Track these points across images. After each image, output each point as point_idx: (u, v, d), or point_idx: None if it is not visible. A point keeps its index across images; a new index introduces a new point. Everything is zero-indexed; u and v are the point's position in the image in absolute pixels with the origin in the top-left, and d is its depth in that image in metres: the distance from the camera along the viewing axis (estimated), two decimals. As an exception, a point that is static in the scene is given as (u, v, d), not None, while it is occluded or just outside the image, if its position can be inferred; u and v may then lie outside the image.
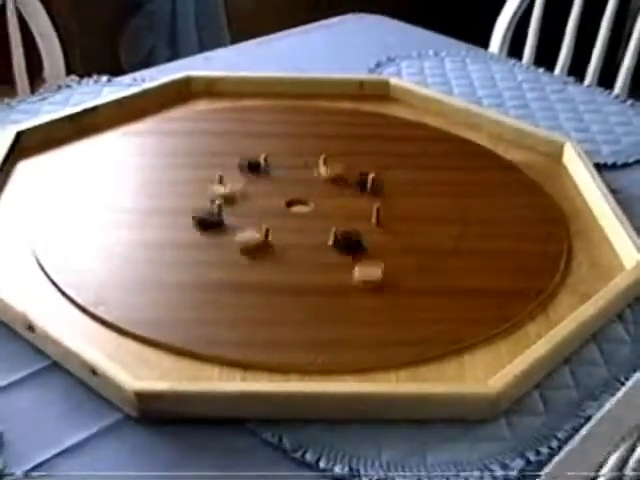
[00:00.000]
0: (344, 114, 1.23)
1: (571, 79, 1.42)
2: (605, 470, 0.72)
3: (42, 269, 0.90)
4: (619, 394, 0.75)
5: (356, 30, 1.57)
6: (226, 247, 0.95)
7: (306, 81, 1.29)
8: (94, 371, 0.76)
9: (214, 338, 0.82)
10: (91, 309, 0.84)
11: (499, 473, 0.71)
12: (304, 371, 0.79)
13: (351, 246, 0.94)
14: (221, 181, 1.03)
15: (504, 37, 1.64)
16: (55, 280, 0.88)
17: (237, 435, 0.74)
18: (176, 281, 0.90)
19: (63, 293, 0.87)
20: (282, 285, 0.90)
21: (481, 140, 1.19)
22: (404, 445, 0.73)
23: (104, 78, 1.31)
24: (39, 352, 0.81)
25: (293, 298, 0.88)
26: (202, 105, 1.25)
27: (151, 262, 0.92)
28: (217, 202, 0.98)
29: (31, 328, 0.81)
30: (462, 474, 0.71)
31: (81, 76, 1.31)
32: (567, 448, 0.68)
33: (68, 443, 0.72)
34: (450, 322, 0.86)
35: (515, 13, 1.63)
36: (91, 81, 1.30)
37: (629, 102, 1.33)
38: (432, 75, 1.37)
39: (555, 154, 1.15)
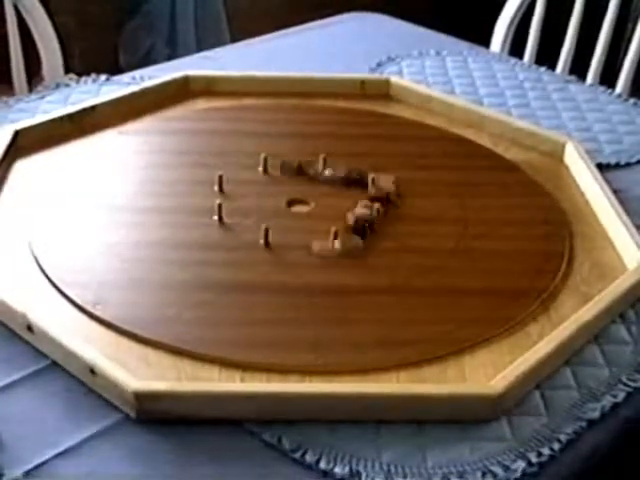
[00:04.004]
0: (344, 114, 1.23)
1: (573, 78, 1.41)
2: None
3: (40, 268, 0.89)
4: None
5: (356, 29, 1.57)
6: (226, 246, 0.95)
7: (306, 80, 1.28)
8: (93, 371, 0.76)
9: (213, 338, 0.82)
10: (90, 309, 0.84)
11: (500, 474, 0.71)
12: (304, 371, 0.79)
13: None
14: (220, 181, 1.03)
15: (505, 36, 1.64)
16: (54, 279, 0.88)
17: (236, 436, 0.73)
18: (175, 281, 0.89)
19: (62, 293, 0.86)
20: (282, 285, 0.89)
21: (482, 140, 1.18)
22: (404, 446, 0.73)
23: (102, 77, 1.30)
24: (38, 352, 0.80)
25: (293, 298, 0.88)
26: (201, 104, 1.25)
27: (150, 261, 0.92)
28: (217, 202, 0.98)
29: (30, 328, 0.81)
30: (463, 475, 0.70)
31: (79, 75, 1.31)
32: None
33: (67, 444, 0.71)
34: (451, 322, 0.86)
35: (516, 12, 1.63)
36: (89, 80, 1.29)
37: (632, 101, 1.33)
38: (433, 74, 1.37)
39: (557, 154, 1.15)
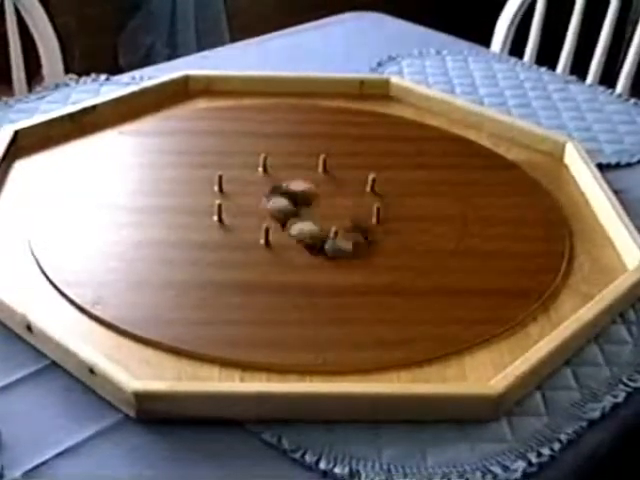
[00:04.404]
0: (344, 113, 1.23)
1: (573, 78, 1.41)
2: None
3: (40, 268, 0.89)
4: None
5: (356, 29, 1.57)
6: (226, 246, 0.95)
7: (306, 80, 1.28)
8: (92, 371, 0.76)
9: (213, 338, 0.82)
10: (89, 309, 0.84)
11: (500, 475, 0.70)
12: (303, 371, 0.79)
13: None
14: (220, 180, 1.03)
15: (506, 36, 1.64)
16: (53, 280, 0.88)
17: (236, 436, 0.73)
18: (175, 280, 0.89)
19: (61, 293, 0.86)
20: (282, 285, 0.89)
21: (482, 140, 1.18)
22: (404, 446, 0.73)
23: (102, 77, 1.30)
24: (37, 352, 0.80)
25: (293, 298, 0.88)
26: (201, 104, 1.25)
27: (149, 261, 0.92)
28: (217, 202, 0.98)
29: (29, 328, 0.81)
30: (463, 475, 0.70)
31: (79, 75, 1.31)
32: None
33: (67, 444, 0.72)
34: (451, 322, 0.86)
35: (517, 11, 1.63)
36: (89, 80, 1.30)
37: (632, 101, 1.33)
38: (434, 74, 1.37)
39: (557, 153, 1.15)
